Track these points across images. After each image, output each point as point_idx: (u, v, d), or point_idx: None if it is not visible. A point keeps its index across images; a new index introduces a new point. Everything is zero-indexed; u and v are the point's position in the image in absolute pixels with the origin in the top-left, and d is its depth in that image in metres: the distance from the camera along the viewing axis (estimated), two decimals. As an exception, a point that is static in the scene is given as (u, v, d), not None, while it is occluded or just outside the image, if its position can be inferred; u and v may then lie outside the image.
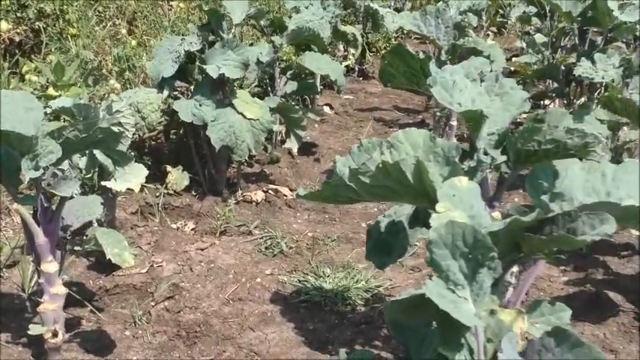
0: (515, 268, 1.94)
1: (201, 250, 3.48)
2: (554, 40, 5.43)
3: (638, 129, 3.68)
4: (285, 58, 5.64)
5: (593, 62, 4.25)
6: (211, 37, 4.04)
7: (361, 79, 7.36)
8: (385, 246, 2.11)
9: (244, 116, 3.87)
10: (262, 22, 4.80)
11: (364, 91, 6.95)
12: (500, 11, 9.09)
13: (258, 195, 4.13)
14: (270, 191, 4.24)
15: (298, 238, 3.70)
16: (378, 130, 5.70)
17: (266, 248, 3.56)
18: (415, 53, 2.19)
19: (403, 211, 2.13)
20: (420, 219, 2.06)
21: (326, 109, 6.18)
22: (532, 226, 1.66)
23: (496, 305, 1.68)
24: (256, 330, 2.86)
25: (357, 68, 7.36)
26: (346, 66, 7.18)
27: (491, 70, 4.77)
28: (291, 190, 4.31)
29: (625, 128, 4.08)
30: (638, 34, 5.78)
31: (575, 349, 1.44)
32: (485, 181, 2.21)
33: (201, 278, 3.22)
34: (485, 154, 2.17)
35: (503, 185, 2.22)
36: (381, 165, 1.71)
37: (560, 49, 5.40)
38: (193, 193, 4.13)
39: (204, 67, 3.77)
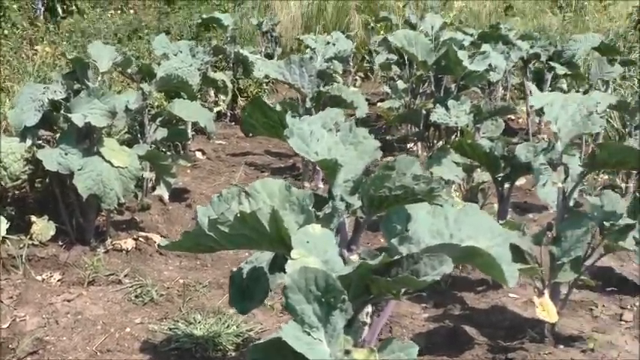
0: (369, 309, 2.06)
1: (68, 301, 3.41)
2: (413, 86, 5.76)
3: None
4: (156, 104, 5.66)
5: (447, 108, 4.55)
6: (77, 86, 4.01)
7: (233, 124, 7.46)
8: (247, 292, 2.19)
9: (112, 164, 3.85)
10: (130, 70, 4.81)
11: (236, 136, 7.05)
12: (367, 57, 9.49)
13: (128, 243, 4.09)
14: (140, 239, 4.21)
15: (169, 285, 3.70)
16: (250, 175, 5.79)
17: (136, 297, 3.54)
18: (272, 105, 2.31)
19: (264, 257, 2.22)
20: (279, 265, 2.15)
21: (198, 154, 6.22)
22: (380, 268, 1.79)
23: (350, 345, 1.78)
24: (125, 381, 2.84)
25: (228, 113, 7.46)
26: (218, 112, 7.27)
27: (355, 117, 5.01)
28: (162, 237, 4.30)
29: (478, 170, 4.37)
30: (490, 80, 6.24)
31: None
32: (343, 226, 2.33)
33: (67, 331, 3.15)
34: (342, 200, 2.29)
35: (360, 229, 2.35)
36: (238, 215, 1.79)
37: (419, 95, 5.73)
38: (60, 243, 4.04)
39: (70, 115, 3.73)
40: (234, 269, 2.25)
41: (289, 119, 2.26)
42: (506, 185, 3.68)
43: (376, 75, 9.70)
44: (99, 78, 4.16)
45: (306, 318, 1.68)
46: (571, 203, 3.03)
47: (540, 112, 3.10)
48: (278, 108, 2.28)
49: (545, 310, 2.93)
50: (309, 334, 1.68)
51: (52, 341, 3.06)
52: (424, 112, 5.28)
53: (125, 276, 3.74)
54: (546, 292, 3.01)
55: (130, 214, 4.60)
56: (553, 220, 3.11)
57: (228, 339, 3.17)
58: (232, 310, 3.39)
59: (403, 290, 1.95)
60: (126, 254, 4.04)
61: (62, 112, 3.83)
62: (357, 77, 9.51)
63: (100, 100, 3.80)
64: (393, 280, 1.74)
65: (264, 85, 8.14)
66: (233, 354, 3.10)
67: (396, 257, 1.80)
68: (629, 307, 3.61)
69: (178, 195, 5.09)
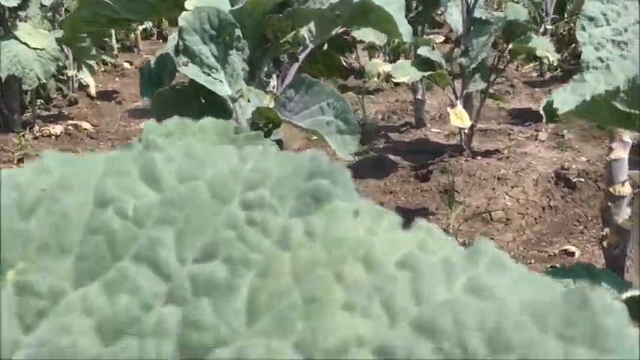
0: (274, 81, 2.14)
1: (-2, 173, 3.43)
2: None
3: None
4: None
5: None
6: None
7: (161, 41, 7.41)
8: (156, 78, 2.24)
9: (29, 46, 3.84)
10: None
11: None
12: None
13: (57, 129, 4.10)
14: (70, 126, 4.22)
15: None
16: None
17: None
18: None
19: (170, 44, 2.27)
20: (183, 42, 2.21)
21: (126, 65, 6.20)
22: (274, 10, 1.87)
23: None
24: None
25: (155, 31, 7.40)
26: (144, 29, 7.22)
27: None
28: (92, 125, 4.32)
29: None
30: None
31: (310, 90, 1.66)
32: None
33: None
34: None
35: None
36: (133, -23, 1.84)
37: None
38: (-15, 133, 4.04)
39: (-22, -2, 3.70)
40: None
41: None
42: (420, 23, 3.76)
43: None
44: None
45: (204, 59, 1.76)
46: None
47: None
48: None
49: (459, 117, 3.07)
50: (209, 75, 1.76)
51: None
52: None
53: (56, 153, 3.76)
54: (459, 102, 3.14)
55: (58, 109, 4.60)
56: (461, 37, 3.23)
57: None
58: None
59: (303, 55, 2.03)
60: (55, 139, 4.05)
61: (-30, -3, 3.79)
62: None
63: (9, -18, 3.76)
64: (286, 15, 1.81)
65: None
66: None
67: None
68: (543, 129, 3.79)
69: (108, 95, 5.10)
